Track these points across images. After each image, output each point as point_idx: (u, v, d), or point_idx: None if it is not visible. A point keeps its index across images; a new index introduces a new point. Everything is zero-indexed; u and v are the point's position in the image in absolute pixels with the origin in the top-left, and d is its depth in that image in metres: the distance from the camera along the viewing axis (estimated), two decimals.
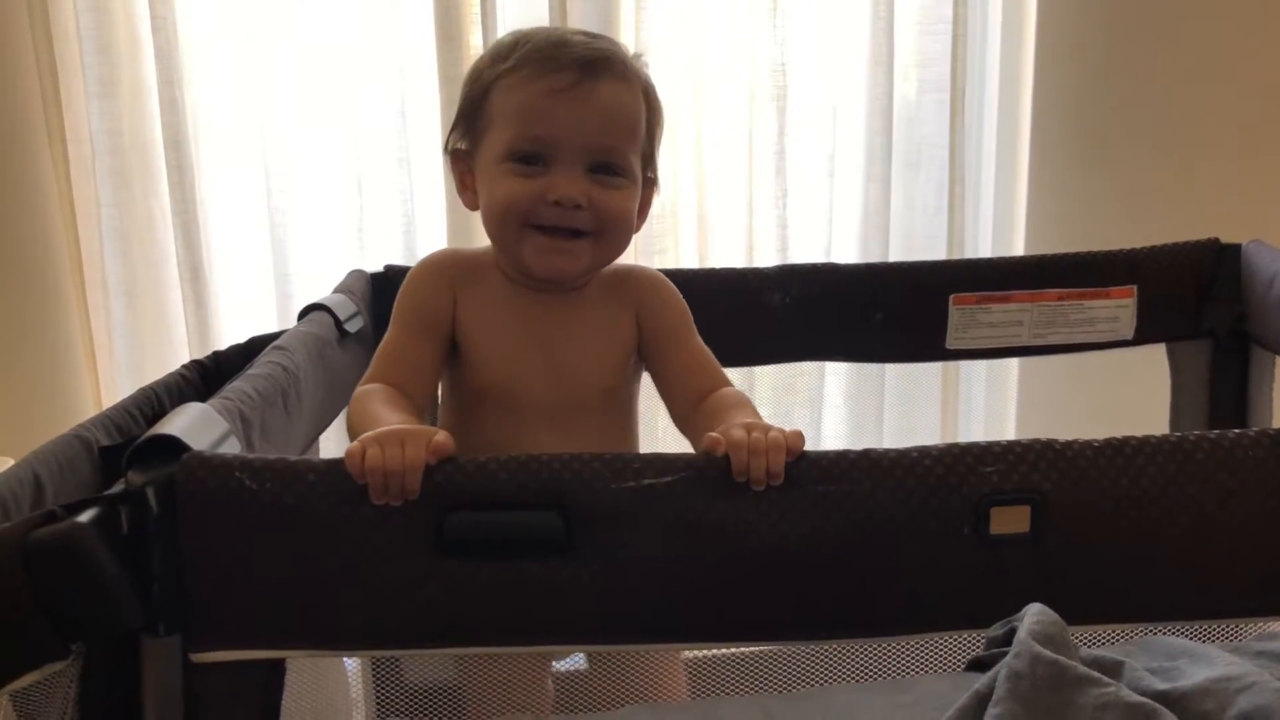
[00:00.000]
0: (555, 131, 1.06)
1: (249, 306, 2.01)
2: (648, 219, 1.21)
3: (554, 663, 1.14)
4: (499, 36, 1.16)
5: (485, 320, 1.14)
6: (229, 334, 1.93)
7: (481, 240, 1.94)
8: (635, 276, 1.19)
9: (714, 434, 0.84)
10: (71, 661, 0.75)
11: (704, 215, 2.06)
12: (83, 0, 1.85)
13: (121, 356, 1.97)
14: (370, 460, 0.80)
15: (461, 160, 1.16)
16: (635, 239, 2.00)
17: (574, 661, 1.14)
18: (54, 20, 1.85)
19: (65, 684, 0.77)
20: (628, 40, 1.94)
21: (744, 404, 1.08)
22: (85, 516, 0.73)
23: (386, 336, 1.15)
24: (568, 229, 1.08)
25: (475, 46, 1.91)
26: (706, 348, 1.16)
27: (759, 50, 2.01)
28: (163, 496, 0.77)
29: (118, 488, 0.78)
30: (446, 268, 1.17)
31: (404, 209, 1.98)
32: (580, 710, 1.04)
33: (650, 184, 1.18)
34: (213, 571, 0.79)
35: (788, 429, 0.84)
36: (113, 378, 1.97)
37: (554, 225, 1.08)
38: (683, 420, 1.13)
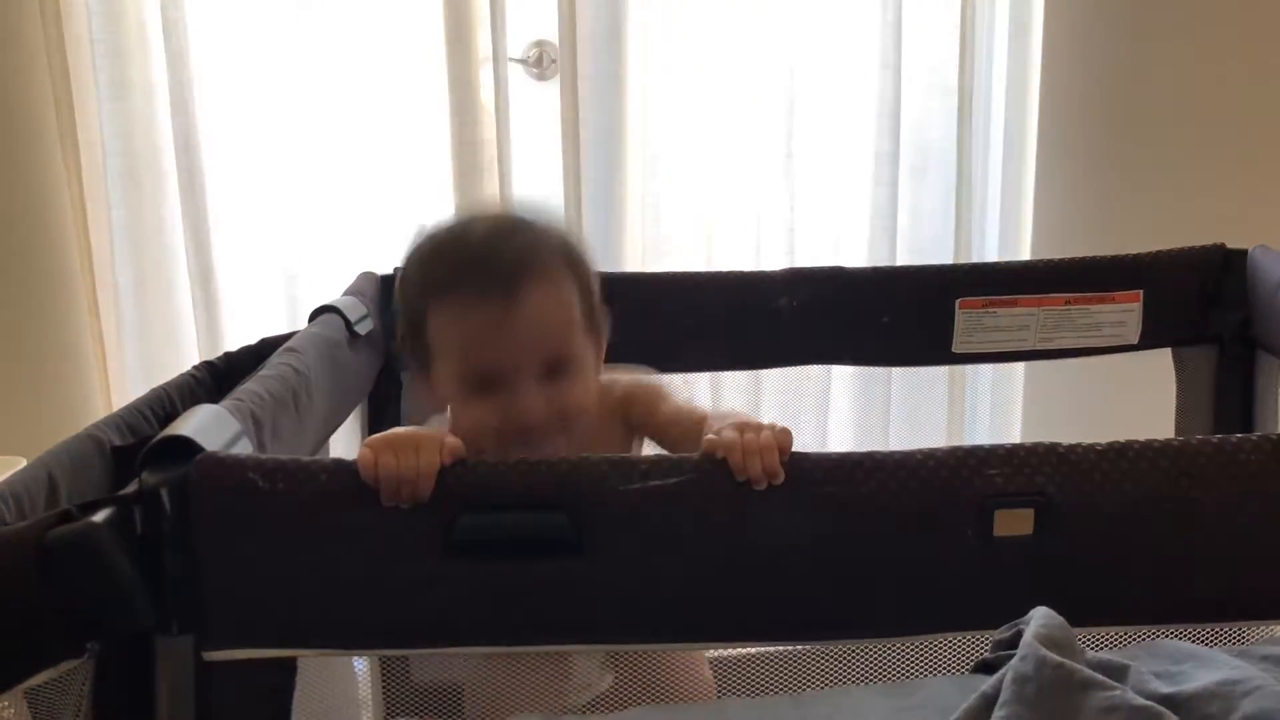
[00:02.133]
0: (500, 358, 1.06)
1: (258, 308, 2.02)
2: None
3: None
4: (420, 232, 1.14)
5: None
6: (238, 335, 1.94)
7: None
8: (630, 399, 1.20)
9: (710, 437, 0.85)
10: (86, 659, 0.76)
11: (711, 218, 2.06)
12: (95, 4, 1.86)
13: (131, 357, 1.98)
14: (383, 467, 0.80)
15: (417, 375, 1.16)
16: (642, 243, 2.03)
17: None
18: (66, 24, 1.86)
19: (79, 682, 0.78)
20: (635, 43, 1.95)
21: (733, 413, 1.08)
22: (100, 516, 0.74)
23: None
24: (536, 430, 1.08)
25: (484, 49, 1.92)
26: (684, 402, 1.19)
27: (767, 53, 2.02)
28: (176, 497, 0.78)
29: (132, 488, 0.78)
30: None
31: (412, 211, 1.98)
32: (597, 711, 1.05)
33: (599, 327, 1.16)
34: (225, 571, 0.80)
35: (780, 429, 0.84)
36: (122, 378, 1.97)
37: (514, 436, 1.07)
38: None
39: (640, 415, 1.19)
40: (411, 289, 1.13)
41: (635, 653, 0.98)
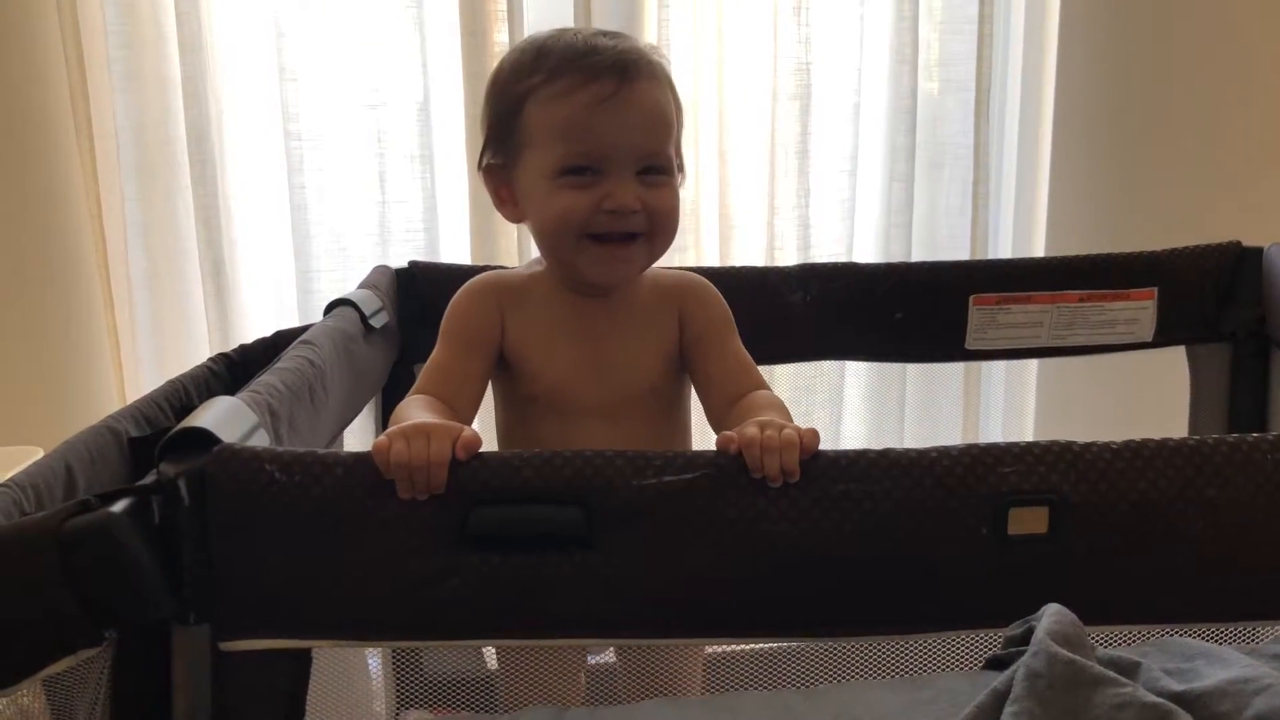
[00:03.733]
0: (604, 142, 1.07)
1: (269, 301, 2.03)
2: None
3: (588, 656, 1.16)
4: (518, 41, 1.15)
5: (534, 334, 1.16)
6: (249, 328, 1.95)
7: (504, 238, 1.97)
8: (681, 281, 1.21)
9: (728, 432, 0.85)
10: (104, 648, 0.77)
11: (726, 213, 2.07)
12: None
13: (144, 349, 1.99)
14: (396, 455, 0.81)
15: (496, 175, 1.16)
16: None
17: (605, 654, 1.16)
18: (81, 16, 1.87)
19: (97, 670, 0.78)
20: (651, 38, 1.95)
21: (775, 405, 1.08)
22: (118, 507, 0.75)
23: (433, 354, 1.17)
24: (622, 233, 1.09)
25: (500, 43, 1.92)
26: (745, 352, 1.18)
27: (782, 49, 2.02)
28: (194, 488, 0.79)
29: (150, 479, 0.79)
30: (492, 290, 1.19)
31: (427, 205, 1.99)
32: (604, 704, 1.05)
33: (680, 169, 1.19)
34: (242, 562, 0.80)
35: (807, 430, 0.85)
36: (135, 370, 1.99)
37: (609, 232, 1.09)
38: (717, 421, 1.14)
39: (693, 316, 1.18)
40: (508, 80, 1.12)
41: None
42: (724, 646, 1.15)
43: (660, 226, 1.11)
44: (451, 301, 1.19)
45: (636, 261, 1.12)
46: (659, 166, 1.11)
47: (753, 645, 1.10)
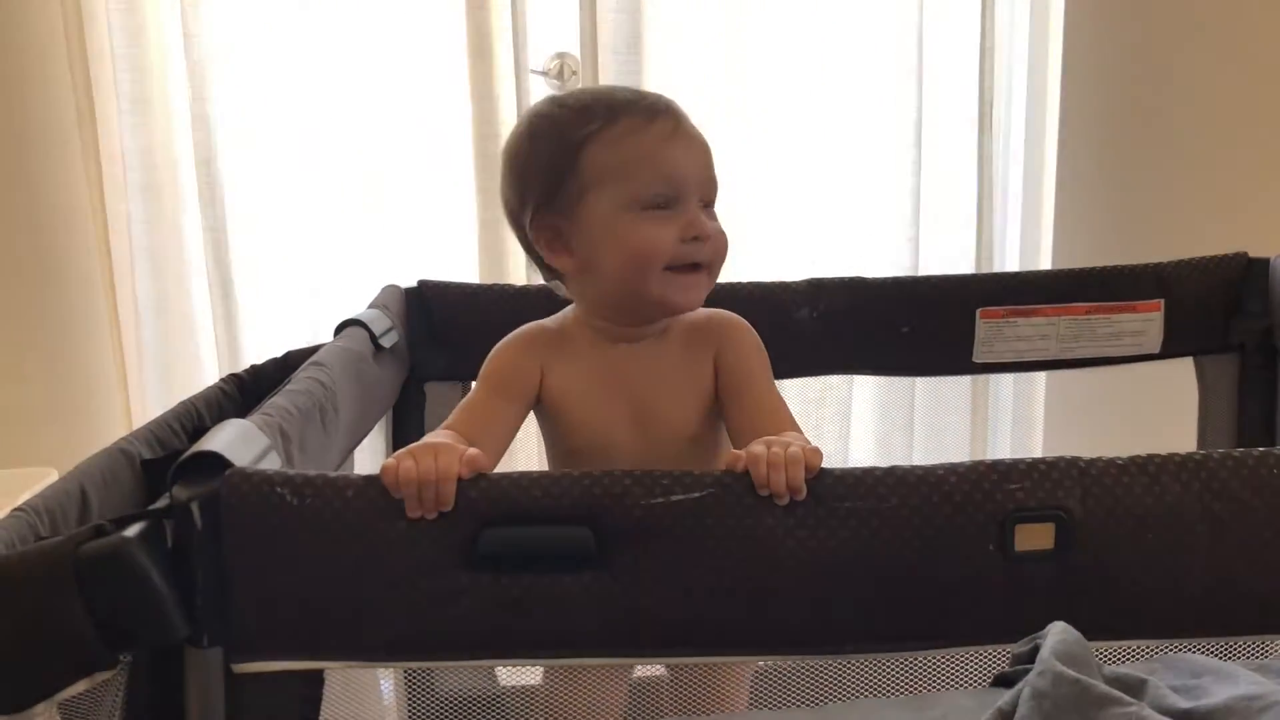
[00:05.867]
0: (679, 174, 1.10)
1: (277, 322, 2.03)
2: None
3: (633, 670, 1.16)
4: (532, 109, 1.18)
5: (574, 387, 1.17)
6: (257, 349, 1.95)
7: (512, 257, 1.97)
8: (716, 320, 1.21)
9: (735, 451, 0.86)
10: (118, 671, 0.78)
11: (731, 227, 2.06)
12: (116, 18, 1.88)
13: (151, 371, 1.99)
14: (404, 472, 0.82)
15: (549, 228, 1.14)
16: None
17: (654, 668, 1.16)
18: (89, 40, 1.89)
19: (112, 693, 0.79)
20: (656, 56, 1.96)
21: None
22: (132, 531, 0.76)
23: (469, 395, 1.19)
24: (693, 263, 1.12)
25: (506, 61, 1.93)
26: (778, 394, 1.18)
27: (786, 64, 2.02)
28: (206, 511, 0.80)
29: (163, 502, 0.80)
30: (534, 340, 1.20)
31: (435, 224, 2.00)
32: None
33: None
34: (254, 584, 0.81)
35: (810, 447, 0.85)
36: (143, 392, 1.99)
37: (687, 263, 1.11)
38: None
39: (728, 359, 1.18)
40: (556, 133, 1.13)
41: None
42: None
43: (719, 257, 1.14)
44: (496, 348, 1.20)
45: (704, 289, 1.15)
46: (712, 200, 1.15)
47: (760, 662, 1.11)
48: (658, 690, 1.10)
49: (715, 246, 1.12)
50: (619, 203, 1.10)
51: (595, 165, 1.10)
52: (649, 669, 1.17)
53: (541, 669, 1.09)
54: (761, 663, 1.12)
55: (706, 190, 1.13)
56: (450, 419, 1.16)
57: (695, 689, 0.98)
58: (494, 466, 1.12)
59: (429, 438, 1.08)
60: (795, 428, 1.13)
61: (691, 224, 1.10)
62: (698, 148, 1.13)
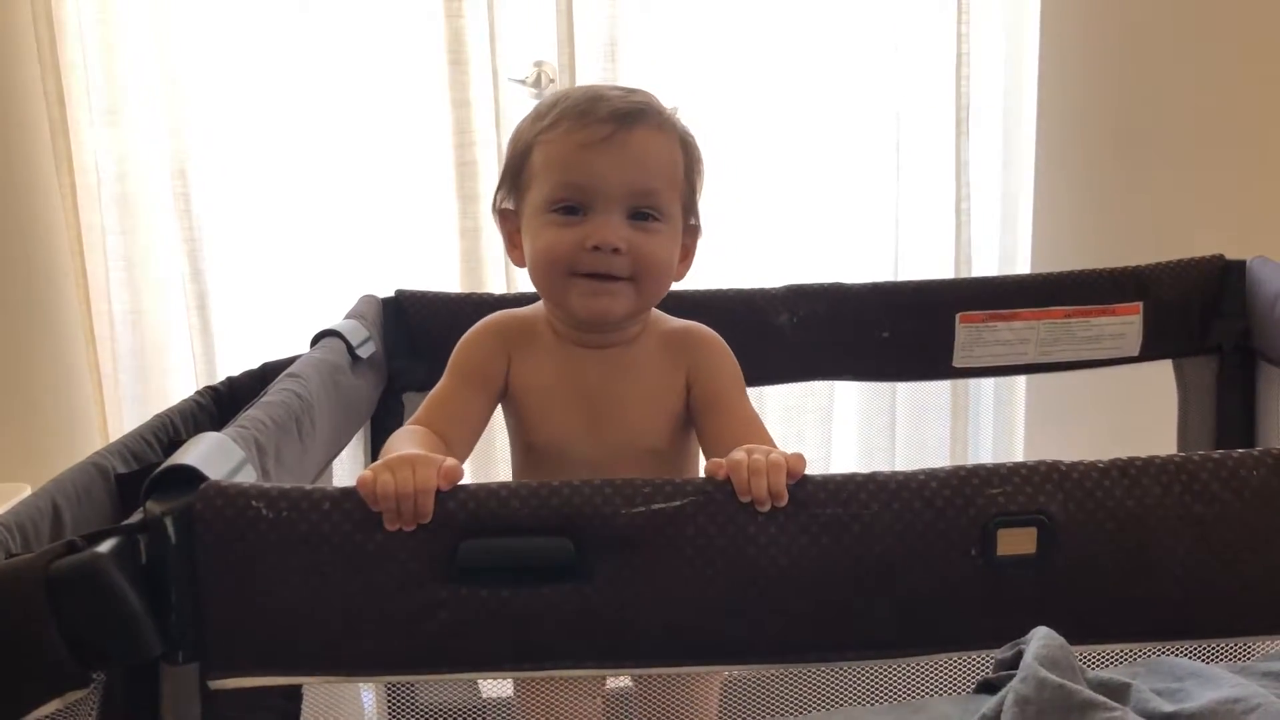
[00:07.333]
0: (592, 179, 1.09)
1: (253, 334, 2.02)
2: (691, 264, 1.23)
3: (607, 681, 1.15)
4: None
5: (537, 382, 1.17)
6: (234, 361, 1.93)
7: (491, 265, 1.96)
8: (692, 336, 1.20)
9: (716, 459, 0.85)
10: (92, 690, 0.77)
11: (709, 234, 2.06)
12: (89, 28, 1.86)
13: (127, 382, 1.97)
14: (382, 485, 0.81)
15: (508, 219, 1.18)
16: None
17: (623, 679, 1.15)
18: (61, 50, 1.86)
19: (85, 713, 0.78)
20: (627, 60, 1.96)
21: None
22: (105, 547, 0.74)
23: (438, 385, 1.19)
24: (604, 275, 1.10)
25: (482, 71, 1.93)
26: (753, 410, 1.17)
27: (762, 71, 2.02)
28: (181, 526, 0.79)
29: (136, 518, 0.79)
30: (502, 330, 1.20)
31: (413, 233, 1.99)
32: None
33: (693, 230, 1.20)
34: (230, 600, 0.80)
35: (792, 454, 0.85)
36: (118, 404, 1.97)
37: (593, 272, 1.10)
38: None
39: (701, 375, 1.17)
40: (523, 128, 1.16)
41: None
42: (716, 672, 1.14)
43: (645, 272, 1.11)
44: (464, 337, 1.21)
45: (621, 300, 1.12)
46: (651, 211, 1.11)
47: (744, 671, 1.10)
48: (630, 701, 1.09)
49: (636, 260, 1.10)
50: (535, 204, 1.12)
51: (534, 165, 1.12)
52: (619, 680, 1.16)
53: (513, 682, 1.08)
54: (735, 671, 1.12)
55: (638, 197, 1.10)
56: (420, 412, 1.16)
57: (662, 700, 0.97)
58: (466, 458, 1.12)
59: (400, 436, 1.08)
60: (770, 442, 1.12)
61: (592, 233, 1.09)
62: (632, 154, 1.10)
